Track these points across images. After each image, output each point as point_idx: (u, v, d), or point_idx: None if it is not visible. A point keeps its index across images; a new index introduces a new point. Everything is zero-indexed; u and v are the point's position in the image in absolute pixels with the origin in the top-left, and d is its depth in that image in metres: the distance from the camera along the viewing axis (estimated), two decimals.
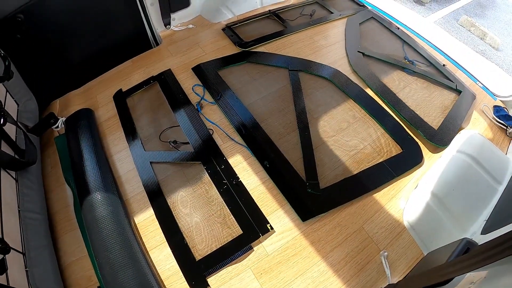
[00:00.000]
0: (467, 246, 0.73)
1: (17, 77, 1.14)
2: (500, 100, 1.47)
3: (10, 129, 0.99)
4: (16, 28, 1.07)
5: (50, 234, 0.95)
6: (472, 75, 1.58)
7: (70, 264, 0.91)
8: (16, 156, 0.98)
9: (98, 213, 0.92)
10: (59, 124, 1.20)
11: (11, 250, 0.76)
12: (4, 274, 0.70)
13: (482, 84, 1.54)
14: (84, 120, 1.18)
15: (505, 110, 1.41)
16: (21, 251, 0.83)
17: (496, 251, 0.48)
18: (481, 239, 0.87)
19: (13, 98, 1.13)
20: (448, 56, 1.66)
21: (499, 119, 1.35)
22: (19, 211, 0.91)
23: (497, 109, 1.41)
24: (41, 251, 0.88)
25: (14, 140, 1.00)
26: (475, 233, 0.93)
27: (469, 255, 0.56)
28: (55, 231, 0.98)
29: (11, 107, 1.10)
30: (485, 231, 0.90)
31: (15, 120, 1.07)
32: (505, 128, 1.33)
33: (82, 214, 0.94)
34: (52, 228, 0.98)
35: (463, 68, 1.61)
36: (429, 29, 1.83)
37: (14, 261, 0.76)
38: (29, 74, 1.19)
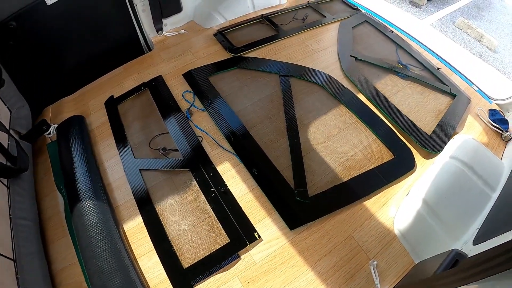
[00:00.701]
0: (456, 258, 0.71)
1: (9, 84, 1.15)
2: (496, 104, 1.45)
3: (1, 136, 1.00)
4: (9, 35, 1.08)
5: (42, 240, 0.95)
6: (467, 78, 1.56)
7: (61, 271, 0.91)
8: (8, 163, 0.98)
9: (88, 220, 0.92)
10: (51, 131, 1.21)
11: (1, 256, 0.76)
12: None
13: (477, 87, 1.52)
14: (76, 127, 1.19)
15: (501, 113, 1.39)
16: (11, 257, 0.83)
17: (485, 267, 0.46)
18: (472, 250, 0.86)
19: (5, 105, 1.14)
20: (443, 59, 1.64)
21: (495, 123, 1.33)
22: (10, 218, 0.91)
23: (492, 113, 1.38)
24: (32, 258, 0.88)
25: (6, 147, 1.01)
26: (467, 242, 0.91)
27: (457, 269, 0.55)
28: (47, 237, 0.98)
29: (3, 114, 1.11)
30: (477, 240, 0.88)
31: (8, 127, 1.08)
32: (500, 132, 1.31)
33: (72, 221, 0.95)
34: (44, 234, 0.98)
35: (458, 71, 1.59)
36: (425, 32, 1.81)
37: (4, 267, 0.77)
38: (22, 81, 1.21)
